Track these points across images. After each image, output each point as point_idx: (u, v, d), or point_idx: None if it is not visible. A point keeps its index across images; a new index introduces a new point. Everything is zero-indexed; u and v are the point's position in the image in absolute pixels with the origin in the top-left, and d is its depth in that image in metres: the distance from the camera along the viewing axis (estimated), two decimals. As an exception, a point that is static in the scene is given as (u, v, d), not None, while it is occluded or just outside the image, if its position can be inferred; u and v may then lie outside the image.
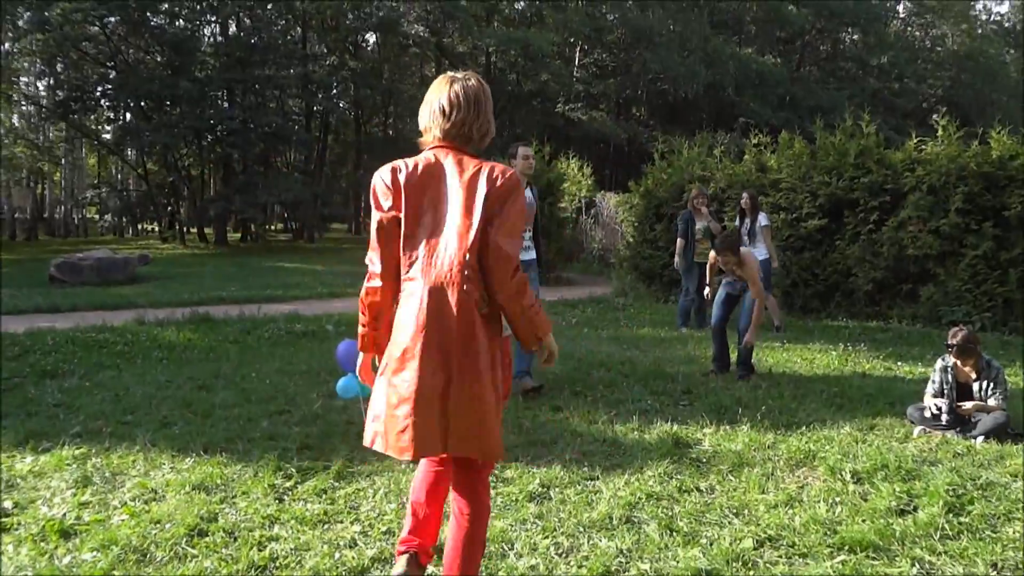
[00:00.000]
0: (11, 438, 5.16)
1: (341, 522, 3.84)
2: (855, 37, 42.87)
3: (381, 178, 2.71)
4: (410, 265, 2.64)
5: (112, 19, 29.72)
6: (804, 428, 5.43)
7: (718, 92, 34.14)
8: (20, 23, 27.32)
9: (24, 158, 37.39)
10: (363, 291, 2.78)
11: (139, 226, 43.91)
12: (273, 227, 46.36)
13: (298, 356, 8.42)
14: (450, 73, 2.83)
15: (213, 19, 31.34)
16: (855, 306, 10.86)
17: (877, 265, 10.52)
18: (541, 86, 33.31)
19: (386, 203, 2.67)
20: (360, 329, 2.85)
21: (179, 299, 12.72)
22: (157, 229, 40.05)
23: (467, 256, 2.56)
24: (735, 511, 3.95)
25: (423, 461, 3.02)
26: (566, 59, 35.09)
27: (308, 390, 6.65)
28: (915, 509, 3.97)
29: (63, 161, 42.51)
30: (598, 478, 4.44)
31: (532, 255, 6.41)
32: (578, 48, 34.18)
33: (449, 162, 2.68)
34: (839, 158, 11.16)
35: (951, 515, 3.86)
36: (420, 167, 2.68)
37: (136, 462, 4.75)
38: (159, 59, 31.06)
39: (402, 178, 2.66)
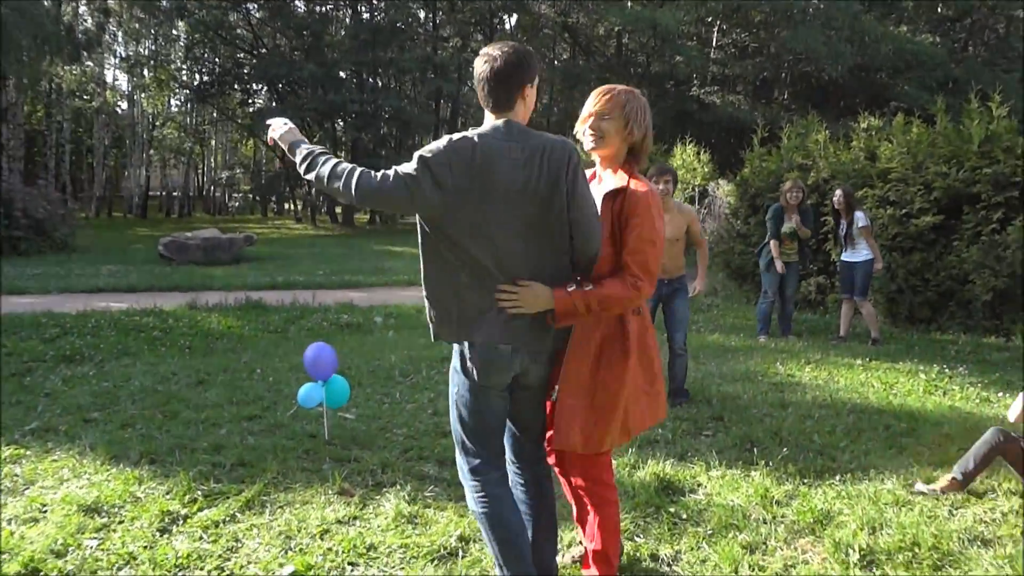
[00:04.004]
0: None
1: (201, 569, 3.26)
2: (1034, 13, 38.51)
3: None
4: None
5: (252, 5, 30.67)
6: (838, 478, 4.33)
7: (869, 74, 31.37)
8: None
9: (174, 139, 39.48)
10: None
11: (284, 206, 45.60)
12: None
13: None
14: None
15: (346, 2, 31.77)
16: (972, 318, 9.17)
17: (1000, 272, 8.79)
18: (671, 68, 31.78)
19: None
20: None
21: (256, 283, 12.63)
22: (292, 210, 41.54)
23: None
24: (680, 599, 3.06)
25: None
26: (702, 40, 33.31)
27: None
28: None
29: (213, 143, 44.69)
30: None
31: None
32: (715, 28, 32.36)
33: None
34: (960, 145, 9.53)
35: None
36: None
37: (61, 469, 4.37)
38: (291, 43, 31.77)
39: None
